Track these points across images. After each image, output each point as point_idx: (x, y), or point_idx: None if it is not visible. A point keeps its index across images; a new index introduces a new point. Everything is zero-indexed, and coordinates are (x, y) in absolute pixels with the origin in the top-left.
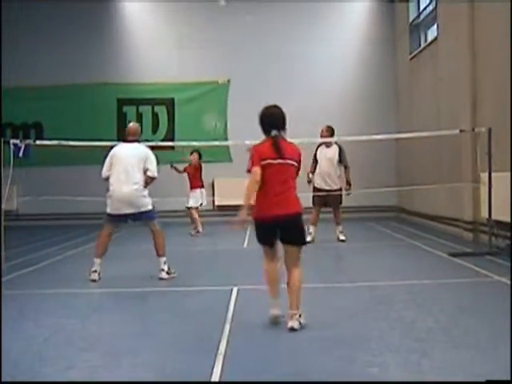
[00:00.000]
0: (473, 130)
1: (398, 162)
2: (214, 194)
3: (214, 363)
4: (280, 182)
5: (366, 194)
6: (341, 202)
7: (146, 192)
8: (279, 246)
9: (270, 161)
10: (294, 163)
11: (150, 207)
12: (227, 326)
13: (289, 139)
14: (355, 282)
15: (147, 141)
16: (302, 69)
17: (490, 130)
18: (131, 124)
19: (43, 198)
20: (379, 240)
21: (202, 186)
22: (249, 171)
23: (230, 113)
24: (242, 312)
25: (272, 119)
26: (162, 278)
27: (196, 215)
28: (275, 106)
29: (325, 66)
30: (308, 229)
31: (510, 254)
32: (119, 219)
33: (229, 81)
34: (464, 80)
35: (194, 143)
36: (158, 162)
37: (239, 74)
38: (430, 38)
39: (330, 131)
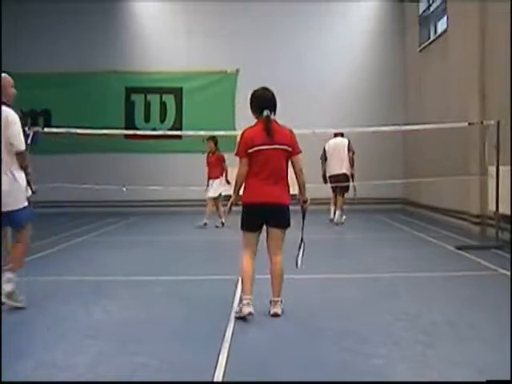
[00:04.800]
0: (481, 122)
1: (406, 155)
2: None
3: (220, 351)
4: (271, 169)
5: (373, 185)
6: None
7: (19, 181)
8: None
9: (260, 147)
10: (287, 148)
11: (23, 204)
12: (233, 315)
13: (300, 129)
14: (361, 274)
15: (154, 129)
16: (310, 59)
17: (498, 123)
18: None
19: (51, 185)
20: (385, 232)
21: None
22: (236, 155)
23: (238, 102)
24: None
25: (264, 99)
26: None
27: (213, 206)
28: (267, 89)
29: (333, 56)
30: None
31: (510, 247)
32: None
33: (237, 70)
34: (473, 73)
35: (202, 133)
36: (165, 151)
37: (248, 64)
38: (439, 30)
39: None
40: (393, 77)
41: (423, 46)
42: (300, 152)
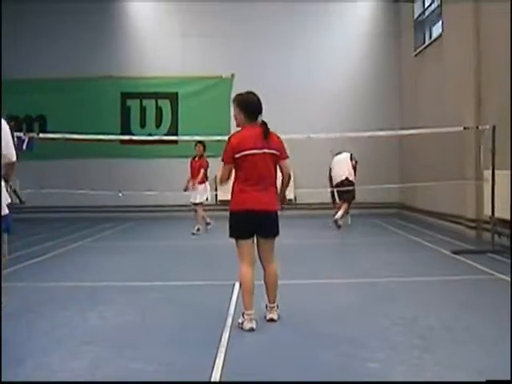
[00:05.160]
0: (477, 127)
1: (402, 159)
2: (216, 189)
3: (216, 356)
4: (259, 175)
5: (370, 190)
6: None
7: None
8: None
9: (248, 152)
10: (276, 152)
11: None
12: (229, 320)
13: (295, 134)
14: (357, 279)
15: (150, 135)
16: (306, 64)
17: (494, 128)
18: None
19: (46, 190)
20: (382, 236)
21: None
22: (222, 160)
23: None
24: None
25: (257, 104)
26: None
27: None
28: (252, 93)
29: (330, 60)
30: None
31: (510, 252)
32: None
33: (233, 75)
34: (469, 77)
35: (197, 137)
36: (161, 156)
37: (243, 69)
38: (434, 35)
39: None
40: (388, 81)
41: (418, 50)
42: (287, 157)
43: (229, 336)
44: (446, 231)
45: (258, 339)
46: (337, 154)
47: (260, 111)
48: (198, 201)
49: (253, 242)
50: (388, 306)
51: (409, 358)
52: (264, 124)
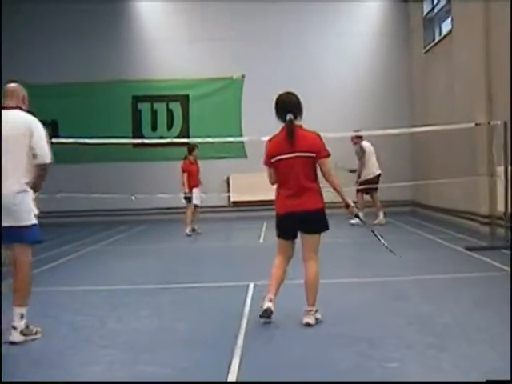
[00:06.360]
0: (488, 123)
1: (414, 157)
2: (229, 190)
3: (232, 358)
4: (294, 178)
5: (382, 188)
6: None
7: (29, 196)
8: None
9: (281, 156)
10: (310, 154)
11: (30, 222)
12: (244, 321)
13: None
14: (372, 278)
15: (162, 137)
16: (316, 63)
17: (505, 124)
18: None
19: (59, 195)
20: (395, 234)
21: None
22: (264, 163)
23: (244, 108)
24: (259, 308)
25: (286, 103)
26: (12, 342)
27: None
28: (290, 93)
29: (340, 59)
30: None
31: (510, 246)
32: None
33: (243, 76)
34: (479, 73)
35: (209, 139)
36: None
37: (254, 70)
38: (444, 32)
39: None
40: (398, 79)
41: (428, 47)
42: (326, 156)
43: (244, 338)
44: (460, 228)
45: (274, 340)
46: (359, 137)
47: (289, 110)
48: (198, 203)
49: (292, 242)
50: (403, 305)
51: (424, 358)
52: (289, 123)
